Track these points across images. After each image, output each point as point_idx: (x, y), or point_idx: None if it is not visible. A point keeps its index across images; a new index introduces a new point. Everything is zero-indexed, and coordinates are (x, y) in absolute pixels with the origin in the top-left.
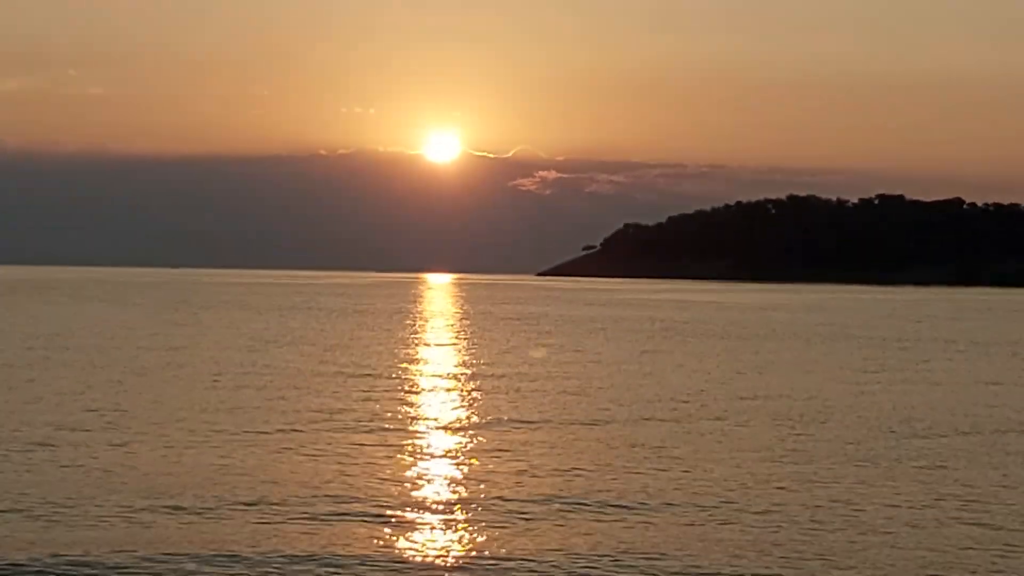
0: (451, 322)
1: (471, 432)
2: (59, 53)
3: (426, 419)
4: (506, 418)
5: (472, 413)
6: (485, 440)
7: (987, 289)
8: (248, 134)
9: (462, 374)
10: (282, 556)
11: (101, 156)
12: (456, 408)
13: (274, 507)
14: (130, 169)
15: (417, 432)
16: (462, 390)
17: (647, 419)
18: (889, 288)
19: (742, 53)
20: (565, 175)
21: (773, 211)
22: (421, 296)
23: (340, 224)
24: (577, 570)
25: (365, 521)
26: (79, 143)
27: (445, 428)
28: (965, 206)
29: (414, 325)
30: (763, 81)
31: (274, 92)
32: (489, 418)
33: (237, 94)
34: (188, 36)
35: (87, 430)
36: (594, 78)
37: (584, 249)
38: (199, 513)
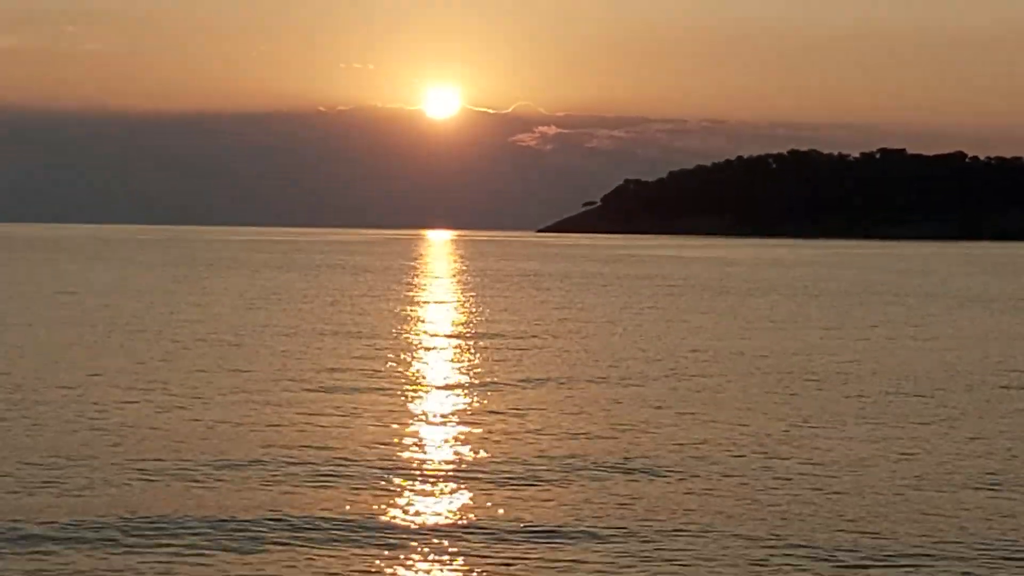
0: (451, 280)
1: (470, 392)
2: (56, 9)
3: (425, 378)
4: (507, 377)
5: (472, 372)
6: (485, 400)
7: (989, 243)
8: (248, 90)
9: (462, 332)
10: (272, 519)
11: (99, 113)
12: (455, 367)
13: (266, 468)
14: (129, 126)
15: (416, 392)
16: (462, 349)
17: (651, 377)
18: (891, 243)
19: (744, 7)
20: (565, 131)
21: (774, 166)
22: (421, 253)
23: (339, 181)
24: (584, 532)
25: (360, 484)
26: (77, 100)
27: (444, 388)
28: (967, 160)
29: (415, 283)
30: (765, 35)
31: (273, 48)
32: (489, 378)
33: (236, 50)
34: None
35: (71, 387)
36: (595, 33)
37: (584, 205)
38: (183, 474)
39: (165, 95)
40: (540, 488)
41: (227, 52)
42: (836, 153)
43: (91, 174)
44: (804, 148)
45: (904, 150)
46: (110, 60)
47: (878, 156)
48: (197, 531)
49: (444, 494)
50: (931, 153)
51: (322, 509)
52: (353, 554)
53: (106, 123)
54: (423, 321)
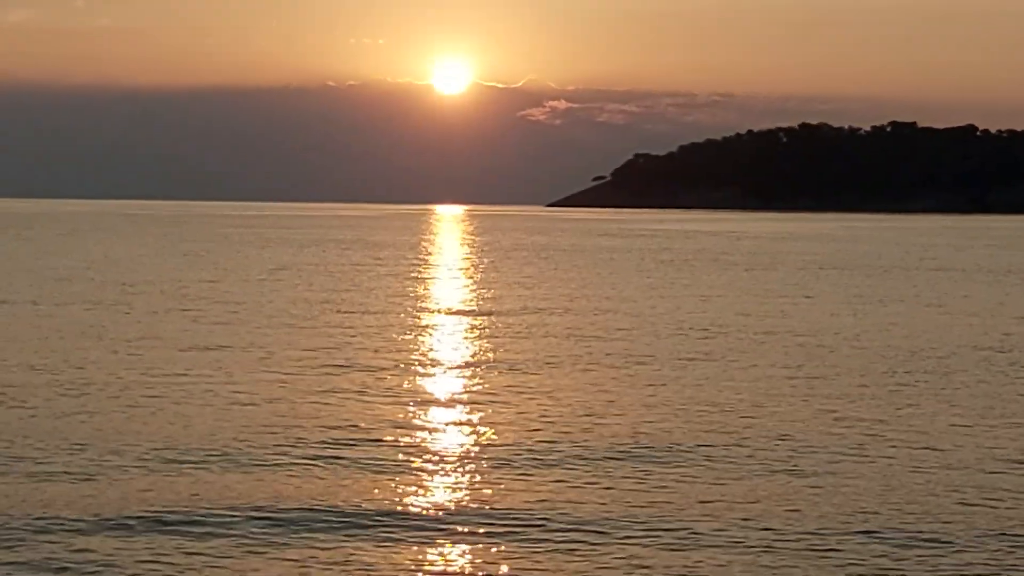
0: (463, 254)
1: (487, 371)
2: None
3: (440, 355)
4: (518, 357)
5: (489, 350)
6: (501, 379)
7: (1000, 217)
8: (257, 65)
9: (476, 309)
10: (276, 507)
11: (110, 88)
12: (466, 346)
13: (272, 453)
14: (139, 101)
15: (431, 369)
16: (472, 327)
17: (669, 356)
18: (901, 216)
19: None
20: (575, 105)
21: (784, 140)
22: (431, 228)
23: (349, 156)
24: (599, 519)
25: (371, 467)
26: (88, 75)
27: (454, 367)
28: (978, 133)
29: (426, 258)
30: (775, 8)
31: (283, 23)
32: (505, 355)
33: (246, 25)
34: None
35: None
36: (605, 7)
37: (594, 180)
38: (199, 455)
39: (175, 70)
40: (558, 472)
41: (237, 27)
42: (847, 126)
43: (101, 149)
44: (815, 122)
45: (915, 123)
46: (120, 35)
47: (889, 129)
48: (216, 519)
49: (458, 477)
50: (942, 126)
51: (339, 493)
52: (368, 538)
53: (116, 98)
54: (435, 297)
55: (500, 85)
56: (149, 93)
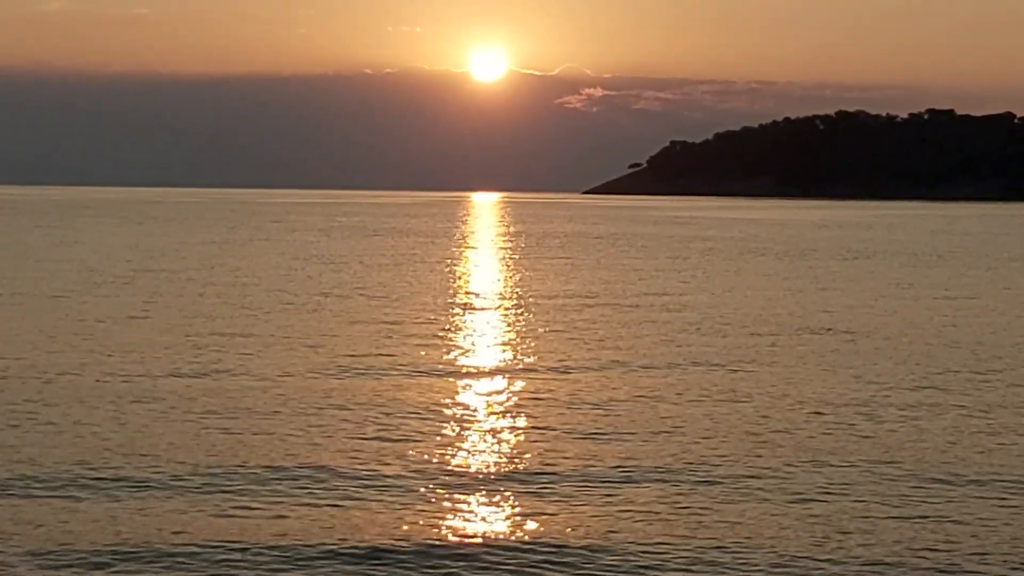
0: (500, 241)
1: (539, 375)
2: None
3: (475, 354)
4: (564, 355)
5: (539, 351)
6: (540, 376)
7: None
8: (294, 54)
9: (517, 297)
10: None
11: (147, 77)
12: (518, 345)
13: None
14: (176, 89)
15: (463, 368)
16: (509, 319)
17: (725, 357)
18: (938, 204)
19: None
20: (612, 92)
21: (821, 127)
22: (468, 215)
23: (385, 143)
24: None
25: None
26: (125, 64)
27: (492, 369)
28: (1016, 121)
29: (463, 245)
30: None
31: (320, 11)
32: (551, 356)
33: (283, 14)
34: None
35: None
36: None
37: (630, 167)
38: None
39: (212, 59)
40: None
41: (274, 15)
42: (884, 114)
43: (137, 137)
44: (852, 109)
45: (952, 111)
46: (158, 23)
47: (926, 117)
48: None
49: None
50: (980, 114)
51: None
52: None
53: (153, 86)
54: (474, 285)
55: (536, 73)
56: (186, 81)
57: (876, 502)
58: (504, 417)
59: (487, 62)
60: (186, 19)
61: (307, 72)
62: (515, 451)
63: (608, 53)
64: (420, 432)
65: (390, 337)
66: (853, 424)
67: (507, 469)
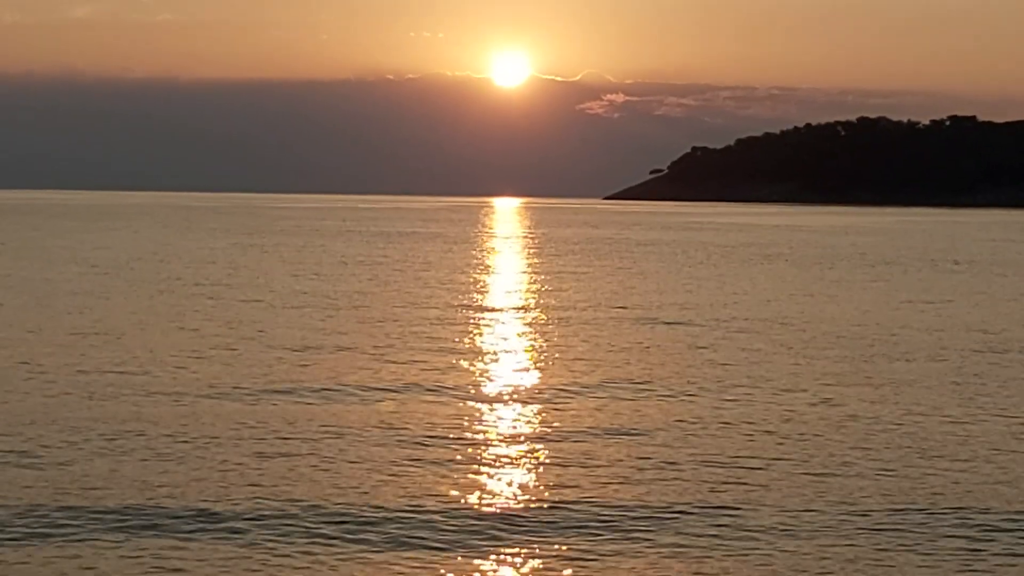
0: (523, 247)
1: (553, 377)
2: None
3: (497, 362)
4: (580, 371)
5: (566, 363)
6: (566, 385)
7: None
8: (316, 59)
9: (530, 308)
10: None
11: (171, 82)
12: (546, 358)
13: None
14: (199, 94)
15: (493, 363)
16: (531, 327)
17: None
18: (960, 211)
19: None
20: (633, 98)
21: (843, 133)
22: (490, 221)
23: (408, 149)
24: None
25: (423, 463)
26: (149, 69)
27: (511, 386)
28: None
29: (487, 250)
30: (835, 2)
31: (342, 17)
32: (562, 363)
33: (305, 19)
34: None
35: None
36: (663, 0)
37: (651, 173)
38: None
39: (236, 64)
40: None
41: (296, 21)
42: (906, 120)
43: (162, 142)
44: (873, 115)
45: (975, 117)
46: (182, 29)
47: (948, 123)
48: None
49: (515, 475)
50: (1002, 120)
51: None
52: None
53: (178, 91)
54: (499, 290)
55: (558, 78)
56: (209, 86)
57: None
58: (535, 447)
59: (509, 68)
60: (209, 25)
61: (329, 77)
62: (547, 489)
63: (630, 59)
64: (442, 460)
65: (431, 352)
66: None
67: (531, 513)
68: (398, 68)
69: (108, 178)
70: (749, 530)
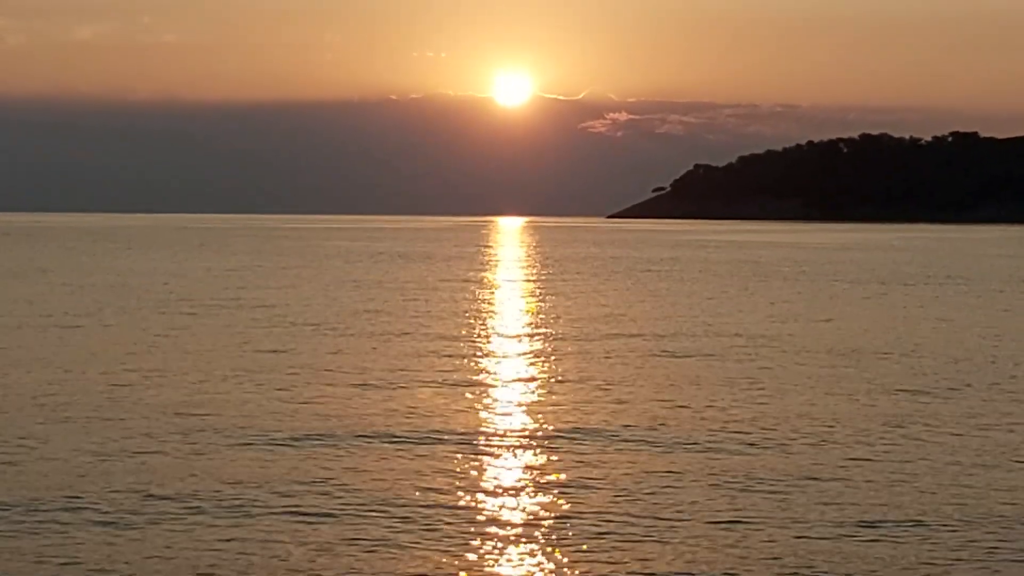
0: (529, 266)
1: (562, 400)
2: (133, 1)
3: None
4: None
5: (567, 372)
6: (578, 406)
7: None
8: (319, 80)
9: (538, 328)
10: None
11: (174, 103)
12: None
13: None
14: (203, 116)
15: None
16: (538, 349)
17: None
18: (962, 227)
19: None
20: (636, 116)
21: (845, 150)
22: (493, 240)
23: (411, 169)
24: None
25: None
26: (153, 90)
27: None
28: None
29: (492, 269)
30: (836, 20)
31: (345, 38)
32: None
33: (308, 40)
34: None
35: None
36: (666, 18)
37: (654, 191)
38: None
39: (240, 86)
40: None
41: (299, 42)
42: (908, 137)
43: (166, 164)
44: (875, 132)
45: (977, 133)
46: (186, 51)
47: (950, 140)
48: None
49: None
50: (1004, 136)
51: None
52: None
53: (181, 113)
54: (511, 315)
55: (561, 97)
56: (213, 107)
57: None
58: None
59: (512, 87)
60: (213, 47)
61: (333, 98)
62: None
63: (632, 77)
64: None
65: (446, 387)
66: None
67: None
68: (401, 88)
69: (111, 200)
70: (761, 540)
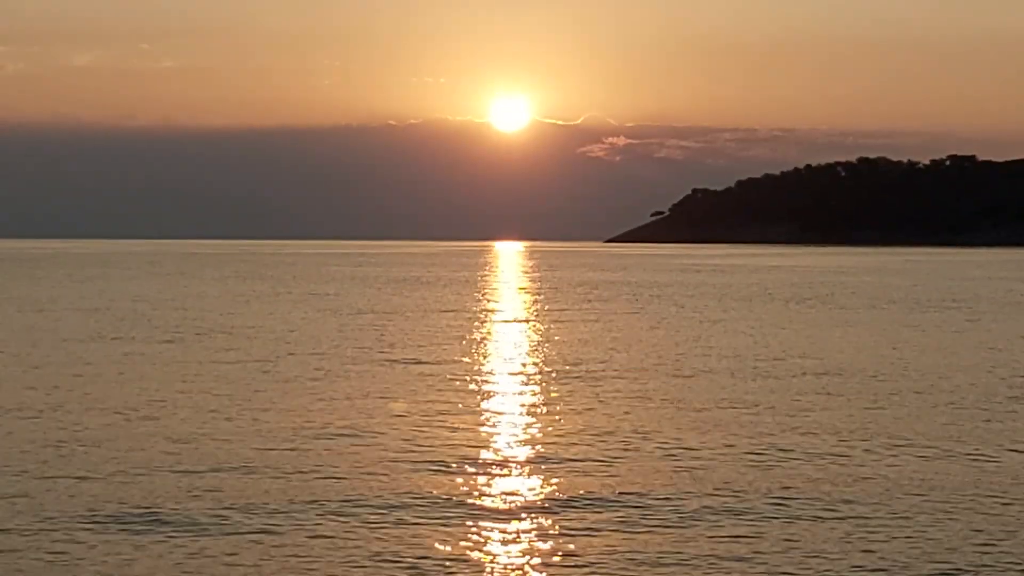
0: (523, 291)
1: (562, 423)
2: (131, 27)
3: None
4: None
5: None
6: (581, 437)
7: None
8: (318, 105)
9: (537, 359)
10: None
11: (173, 130)
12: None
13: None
14: (202, 142)
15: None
16: (537, 380)
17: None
18: (961, 250)
19: (813, 15)
20: (634, 141)
21: (843, 174)
22: (491, 265)
23: (410, 194)
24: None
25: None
26: (152, 117)
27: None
28: None
29: (490, 294)
30: (833, 44)
31: (344, 63)
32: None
33: (307, 66)
34: (258, 8)
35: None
36: (664, 43)
37: (653, 215)
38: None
39: (238, 111)
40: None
41: (298, 68)
42: (905, 160)
43: (165, 190)
44: (873, 156)
45: (974, 157)
46: (184, 77)
47: (947, 163)
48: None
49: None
50: (1001, 159)
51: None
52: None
53: (181, 139)
54: (507, 336)
55: (559, 122)
56: (213, 133)
57: None
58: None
59: (510, 112)
60: (212, 72)
61: (332, 124)
62: None
63: (631, 102)
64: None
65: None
66: None
67: None
68: (400, 114)
69: (111, 226)
70: (766, 552)
